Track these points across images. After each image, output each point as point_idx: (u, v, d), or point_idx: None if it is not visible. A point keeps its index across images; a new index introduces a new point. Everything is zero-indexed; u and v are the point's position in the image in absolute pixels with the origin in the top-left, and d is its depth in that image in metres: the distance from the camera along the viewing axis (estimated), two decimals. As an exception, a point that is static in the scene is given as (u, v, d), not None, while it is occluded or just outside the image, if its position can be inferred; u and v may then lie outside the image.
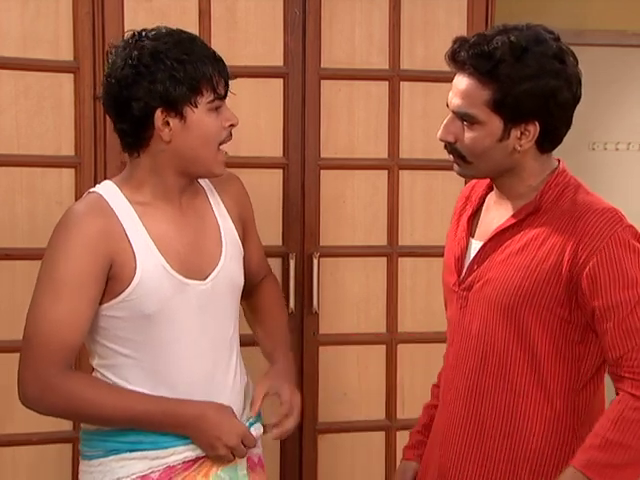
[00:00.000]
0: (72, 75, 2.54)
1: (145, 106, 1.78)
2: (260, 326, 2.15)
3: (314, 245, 2.72)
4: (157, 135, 1.81)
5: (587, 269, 1.71)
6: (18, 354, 2.42)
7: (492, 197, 1.93)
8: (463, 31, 2.70)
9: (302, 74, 2.68)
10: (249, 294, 2.15)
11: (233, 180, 2.06)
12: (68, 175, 2.56)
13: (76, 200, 2.53)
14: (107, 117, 2.50)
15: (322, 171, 2.73)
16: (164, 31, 1.83)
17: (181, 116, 1.80)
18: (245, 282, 2.07)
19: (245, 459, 1.95)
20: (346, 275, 2.78)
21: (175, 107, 1.79)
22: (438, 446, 1.94)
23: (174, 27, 1.87)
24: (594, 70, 3.79)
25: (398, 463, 2.76)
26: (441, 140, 1.83)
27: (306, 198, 2.71)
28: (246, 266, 2.06)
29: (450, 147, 1.82)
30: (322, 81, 2.70)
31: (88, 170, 2.56)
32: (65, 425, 2.51)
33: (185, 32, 1.86)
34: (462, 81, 1.77)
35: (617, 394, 1.75)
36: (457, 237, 1.95)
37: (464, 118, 1.78)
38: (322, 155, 2.72)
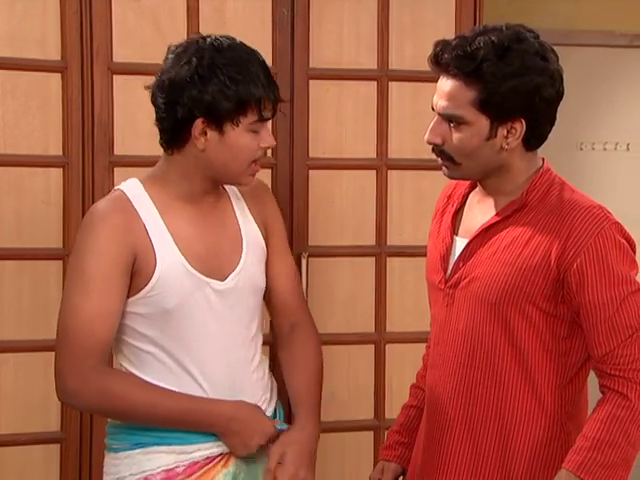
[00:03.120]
0: (59, 75, 2.53)
1: (189, 112, 1.80)
2: (292, 376, 2.05)
3: (303, 245, 2.72)
4: (192, 141, 1.84)
5: (575, 266, 1.72)
6: (7, 355, 2.44)
7: (475, 195, 1.94)
8: (451, 31, 2.70)
9: (290, 74, 2.68)
10: (282, 339, 2.08)
11: (262, 188, 2.08)
12: (56, 175, 2.55)
13: (64, 200, 2.54)
14: (95, 116, 2.54)
15: (310, 171, 2.73)
16: (227, 45, 1.84)
17: (220, 130, 1.82)
18: (276, 315, 2.07)
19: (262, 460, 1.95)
20: (335, 275, 2.78)
21: (217, 121, 1.81)
22: (423, 445, 1.94)
23: (235, 37, 1.87)
24: (583, 70, 3.81)
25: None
26: (428, 143, 1.84)
27: (295, 198, 2.71)
28: (270, 285, 2.03)
29: (438, 149, 1.83)
30: (310, 81, 2.70)
31: (76, 170, 2.55)
32: (52, 426, 2.51)
33: (247, 49, 1.87)
34: (447, 83, 1.78)
35: (602, 392, 1.76)
36: (441, 235, 1.95)
37: (451, 119, 1.78)
38: (310, 155, 2.72)
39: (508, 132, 1.78)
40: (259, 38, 2.65)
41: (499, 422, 1.82)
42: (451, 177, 1.89)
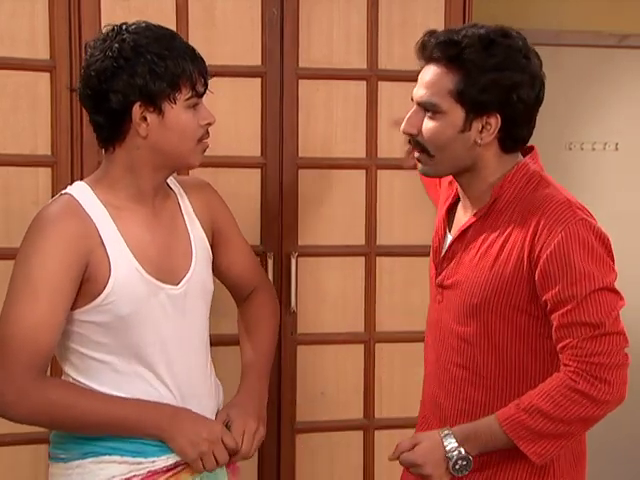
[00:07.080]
0: (48, 74, 2.52)
1: (123, 99, 1.77)
2: (244, 339, 2.12)
3: (292, 244, 2.72)
4: (134, 130, 1.80)
5: (540, 263, 1.72)
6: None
7: None
8: (441, 31, 2.70)
9: (280, 73, 2.67)
10: (240, 304, 2.16)
11: (204, 186, 2.06)
12: (44, 174, 2.54)
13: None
14: (84, 116, 2.52)
15: (300, 170, 2.72)
16: (144, 25, 1.83)
17: (159, 111, 1.79)
18: (233, 290, 2.12)
19: (224, 468, 1.94)
20: (324, 274, 2.78)
21: (153, 102, 1.78)
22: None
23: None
24: (571, 70, 3.82)
25: (377, 462, 2.78)
26: (404, 133, 1.86)
27: (284, 197, 2.71)
28: (227, 274, 2.08)
29: (413, 140, 1.85)
30: (300, 80, 2.70)
31: (65, 169, 2.54)
32: (41, 426, 2.50)
33: (165, 28, 1.87)
34: (428, 71, 1.82)
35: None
36: (436, 229, 1.96)
37: (427, 107, 1.80)
38: (300, 154, 2.72)
39: (483, 127, 1.79)
40: (248, 37, 2.65)
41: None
42: (425, 173, 1.90)
